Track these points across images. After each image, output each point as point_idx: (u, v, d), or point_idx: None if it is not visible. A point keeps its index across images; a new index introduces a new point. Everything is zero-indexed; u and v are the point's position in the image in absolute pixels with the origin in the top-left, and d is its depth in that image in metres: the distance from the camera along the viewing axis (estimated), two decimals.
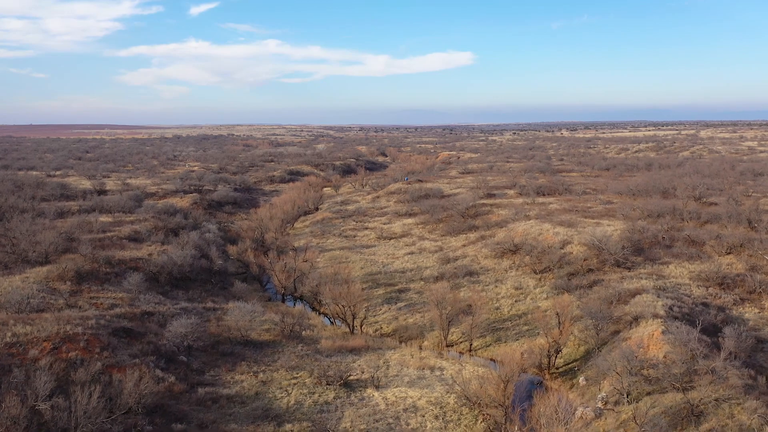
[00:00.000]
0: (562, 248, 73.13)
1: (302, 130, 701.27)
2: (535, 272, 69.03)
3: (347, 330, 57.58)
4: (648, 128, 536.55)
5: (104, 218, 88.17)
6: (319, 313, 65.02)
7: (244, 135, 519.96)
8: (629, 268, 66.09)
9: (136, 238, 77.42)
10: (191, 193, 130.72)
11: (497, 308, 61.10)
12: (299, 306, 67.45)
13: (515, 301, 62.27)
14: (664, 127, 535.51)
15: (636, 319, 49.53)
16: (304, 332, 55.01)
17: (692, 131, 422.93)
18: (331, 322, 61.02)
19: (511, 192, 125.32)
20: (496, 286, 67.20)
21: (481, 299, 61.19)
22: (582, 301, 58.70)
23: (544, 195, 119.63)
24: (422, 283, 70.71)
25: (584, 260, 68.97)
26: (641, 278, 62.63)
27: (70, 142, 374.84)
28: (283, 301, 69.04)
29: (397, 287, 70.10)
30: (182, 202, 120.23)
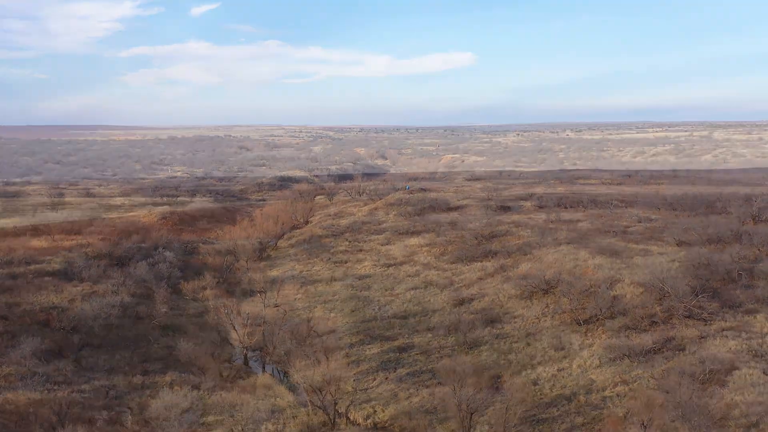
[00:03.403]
0: (609, 288, 56.65)
1: (301, 131, 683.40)
2: (578, 323, 52.56)
3: (326, 418, 41.00)
4: (655, 129, 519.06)
5: (37, 242, 71.86)
6: (291, 387, 48.09)
7: (241, 136, 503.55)
8: (705, 320, 49.60)
9: (65, 273, 60.96)
10: (162, 205, 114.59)
11: (534, 382, 44.49)
12: (267, 373, 50.66)
13: (558, 371, 45.69)
14: (672, 128, 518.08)
15: (757, 425, 33.07)
16: (263, 426, 38.59)
17: (704, 132, 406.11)
18: (306, 404, 44.22)
19: (528, 204, 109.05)
20: (529, 344, 50.66)
21: (510, 367, 45.15)
22: (654, 374, 42.36)
23: (566, 208, 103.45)
24: (430, 336, 54.29)
25: (643, 307, 52.47)
26: (726, 336, 46.29)
27: (57, 144, 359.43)
28: (246, 363, 52.47)
29: (396, 342, 53.54)
30: (149, 217, 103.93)
